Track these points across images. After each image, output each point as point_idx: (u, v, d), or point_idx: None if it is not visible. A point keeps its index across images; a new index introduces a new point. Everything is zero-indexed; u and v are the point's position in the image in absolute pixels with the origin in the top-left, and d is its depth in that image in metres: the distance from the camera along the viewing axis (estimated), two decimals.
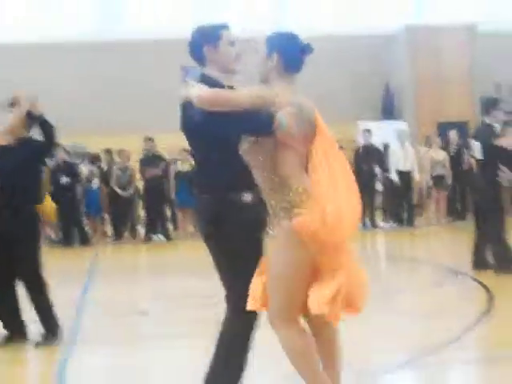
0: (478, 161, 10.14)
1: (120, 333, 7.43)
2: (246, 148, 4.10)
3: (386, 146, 18.07)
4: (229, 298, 4.33)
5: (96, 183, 17.18)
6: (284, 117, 3.95)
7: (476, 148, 9.99)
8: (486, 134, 9.85)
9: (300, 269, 4.01)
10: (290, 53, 4.19)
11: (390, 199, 18.08)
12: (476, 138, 10.10)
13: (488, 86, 23.16)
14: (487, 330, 6.84)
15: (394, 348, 6.23)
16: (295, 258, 3.99)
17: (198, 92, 3.95)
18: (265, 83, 4.17)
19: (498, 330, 6.86)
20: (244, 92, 4.03)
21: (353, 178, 4.20)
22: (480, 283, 9.13)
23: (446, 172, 16.87)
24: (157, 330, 7.49)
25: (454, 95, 22.54)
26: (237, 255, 4.25)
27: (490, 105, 10.13)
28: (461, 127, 20.44)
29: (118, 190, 16.89)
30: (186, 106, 4.13)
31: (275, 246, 4.09)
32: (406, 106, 23.72)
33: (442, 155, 16.98)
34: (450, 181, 17.01)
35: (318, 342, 4.19)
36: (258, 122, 3.96)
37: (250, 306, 4.14)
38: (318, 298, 3.97)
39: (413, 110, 23.25)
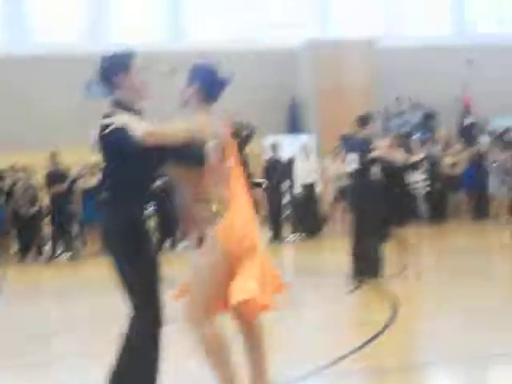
0: (351, 172, 10.73)
1: (25, 354, 7.32)
2: (173, 170, 4.73)
3: (291, 160, 18.31)
4: (130, 300, 4.63)
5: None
6: (210, 150, 4.54)
7: (351, 159, 10.57)
8: (363, 146, 10.47)
9: (216, 270, 4.50)
10: (210, 85, 4.72)
11: (296, 212, 18.34)
12: (352, 149, 10.68)
13: (389, 99, 23.78)
14: (390, 338, 7.01)
15: (298, 360, 6.33)
16: (213, 260, 4.51)
17: (142, 128, 4.39)
18: (183, 107, 4.73)
19: (399, 338, 7.05)
20: (180, 127, 4.52)
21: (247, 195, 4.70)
22: (386, 292, 9.36)
23: None
24: (68, 350, 7.41)
25: (356, 108, 22.93)
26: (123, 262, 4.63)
27: (367, 118, 10.79)
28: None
29: (20, 209, 16.57)
30: (115, 132, 4.43)
31: (200, 251, 4.63)
32: (310, 120, 24.08)
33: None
34: None
35: (246, 341, 4.81)
36: (192, 156, 4.54)
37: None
38: (234, 290, 4.43)
39: (317, 123, 23.61)
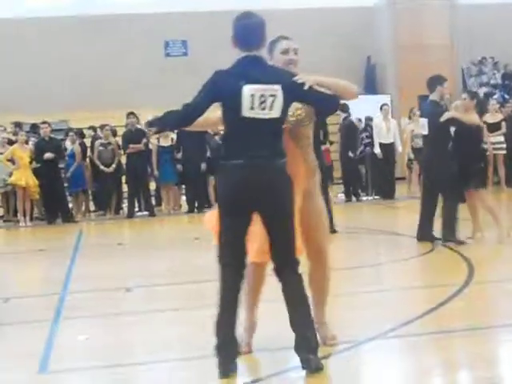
0: (424, 137, 10.53)
1: (105, 309, 7.52)
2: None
3: (368, 120, 18.17)
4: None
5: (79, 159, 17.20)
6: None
7: (422, 124, 10.35)
8: (431, 112, 10.18)
9: None
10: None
11: (372, 172, 18.26)
12: (423, 114, 10.52)
13: (471, 57, 23.26)
14: (466, 301, 6.96)
15: (374, 319, 6.35)
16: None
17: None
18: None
19: (476, 301, 7.00)
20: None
21: None
22: (461, 255, 9.28)
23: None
24: (140, 306, 7.57)
25: (435, 67, 22.56)
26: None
27: (435, 82, 10.37)
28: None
29: (101, 166, 16.90)
30: None
31: (318, 194, 5.37)
32: (388, 79, 23.77)
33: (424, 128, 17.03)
34: None
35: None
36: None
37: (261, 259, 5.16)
38: None
39: (395, 83, 23.31)
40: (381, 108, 17.99)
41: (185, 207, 17.21)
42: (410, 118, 17.90)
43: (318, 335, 5.21)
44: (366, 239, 12.69)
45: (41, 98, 21.56)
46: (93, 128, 18.47)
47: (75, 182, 17.12)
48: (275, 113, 4.94)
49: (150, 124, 5.23)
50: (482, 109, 10.72)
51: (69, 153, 17.20)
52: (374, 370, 5.17)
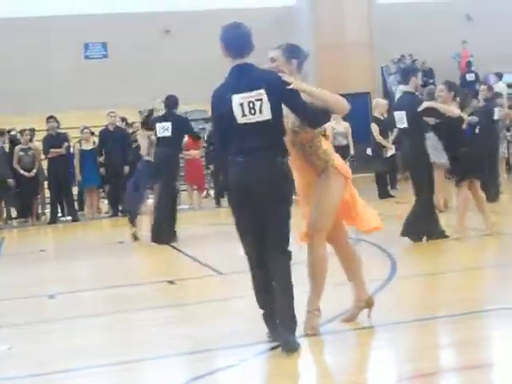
0: (402, 130, 10.21)
1: (28, 317, 7.38)
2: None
3: None
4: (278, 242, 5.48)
5: None
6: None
7: (400, 117, 9.99)
8: (409, 103, 9.86)
9: (340, 198, 5.78)
10: (302, 60, 6.02)
11: None
12: (399, 107, 10.10)
13: (388, 57, 23.64)
14: (390, 296, 7.05)
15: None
16: (340, 191, 5.78)
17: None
18: None
19: (400, 295, 7.10)
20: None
21: None
22: (382, 250, 9.40)
23: (348, 143, 17.07)
24: (63, 313, 7.46)
25: (355, 66, 22.88)
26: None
27: (409, 72, 10.21)
28: (363, 98, 20.85)
29: (21, 171, 16.58)
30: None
31: (326, 185, 5.70)
32: (309, 79, 23.94)
33: (343, 126, 17.19)
34: (352, 151, 17.22)
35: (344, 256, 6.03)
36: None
37: (302, 242, 5.79)
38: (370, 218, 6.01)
39: (316, 83, 23.48)
40: None
41: (105, 210, 17.07)
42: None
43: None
44: None
45: None
46: (10, 132, 18.11)
47: None
48: (265, 115, 5.35)
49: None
50: (463, 101, 10.39)
51: None
52: (305, 365, 5.20)
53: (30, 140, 17.07)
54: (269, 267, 5.46)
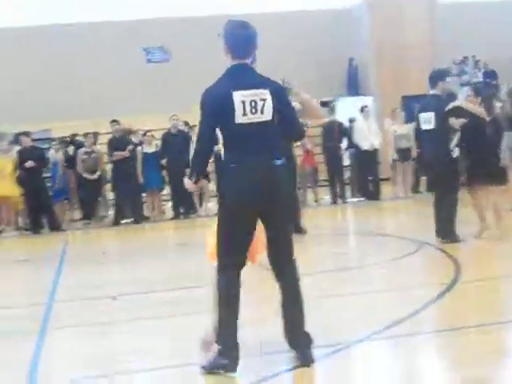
0: (426, 132, 10.28)
1: (91, 318, 7.48)
2: None
3: (351, 122, 18.21)
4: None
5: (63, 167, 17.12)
6: None
7: (426, 119, 10.18)
8: (437, 104, 10.08)
9: None
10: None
11: (356, 174, 18.31)
12: (425, 109, 10.28)
13: (449, 58, 23.30)
14: (452, 300, 6.97)
15: (364, 320, 6.35)
16: None
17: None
18: None
19: (464, 300, 7.01)
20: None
21: None
22: (447, 254, 9.29)
23: (411, 145, 16.95)
24: (126, 315, 7.53)
25: (416, 68, 22.63)
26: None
27: (437, 77, 10.29)
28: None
29: (85, 174, 16.83)
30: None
31: None
32: (370, 81, 23.81)
33: (406, 128, 17.08)
34: (415, 154, 17.09)
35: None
36: None
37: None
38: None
39: (377, 85, 23.34)
40: (361, 110, 18.06)
41: (169, 213, 17.18)
42: (393, 118, 17.93)
43: None
44: (353, 241, 12.72)
45: (23, 107, 21.43)
46: (75, 136, 18.40)
47: (59, 191, 17.05)
48: (266, 116, 5.11)
49: (190, 177, 5.35)
50: (488, 107, 10.44)
51: (53, 161, 17.12)
52: (364, 372, 5.16)
53: (94, 143, 17.32)
54: (277, 277, 5.28)
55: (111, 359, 5.83)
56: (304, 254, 11.11)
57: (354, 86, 23.98)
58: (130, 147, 16.72)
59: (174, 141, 16.69)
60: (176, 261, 10.89)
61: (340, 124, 17.75)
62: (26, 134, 16.64)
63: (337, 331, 6.05)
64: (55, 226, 16.29)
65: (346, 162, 18.57)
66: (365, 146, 17.61)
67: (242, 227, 5.11)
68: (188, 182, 5.38)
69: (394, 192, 17.84)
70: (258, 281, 6.24)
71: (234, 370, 5.03)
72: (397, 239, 10.76)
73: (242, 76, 5.17)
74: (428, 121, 10.16)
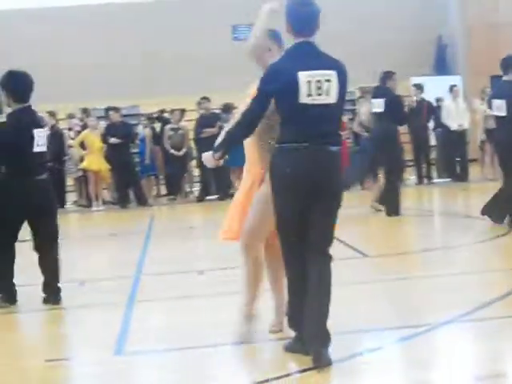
0: (499, 118, 10.22)
1: (177, 292, 7.60)
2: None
3: (439, 101, 17.92)
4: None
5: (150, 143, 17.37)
6: None
7: (497, 105, 10.07)
8: (509, 91, 9.96)
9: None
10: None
11: (443, 154, 18.03)
12: (498, 95, 10.20)
13: None
14: None
15: (449, 302, 6.29)
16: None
17: None
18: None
19: None
20: None
21: None
22: None
23: None
24: (212, 289, 7.63)
25: (508, 48, 22.04)
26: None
27: (507, 64, 10.23)
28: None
29: (171, 150, 17.03)
30: None
31: (268, 190, 5.12)
32: (459, 60, 23.35)
33: None
34: None
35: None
36: None
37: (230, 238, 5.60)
38: None
39: (466, 63, 22.88)
40: (450, 89, 17.73)
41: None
42: (482, 98, 17.56)
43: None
44: (439, 222, 12.57)
45: (111, 83, 21.78)
46: (162, 112, 18.62)
47: (146, 167, 17.31)
48: (332, 98, 4.95)
49: (215, 151, 5.17)
50: None
51: (140, 137, 17.40)
52: (449, 354, 5.12)
53: (180, 120, 17.50)
54: (308, 269, 4.98)
55: (197, 332, 5.92)
56: (389, 235, 11.08)
57: (442, 65, 23.55)
58: (219, 124, 16.81)
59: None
60: None
61: (428, 103, 17.50)
62: (116, 109, 16.92)
63: (421, 313, 6.02)
64: (142, 201, 16.57)
65: (433, 142, 18.32)
66: (453, 126, 17.34)
67: (293, 213, 4.98)
68: (208, 157, 5.23)
69: (483, 173, 17.51)
70: None
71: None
72: (484, 221, 10.57)
73: (308, 55, 5.01)
74: (500, 108, 10.04)
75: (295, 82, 4.88)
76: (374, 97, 12.50)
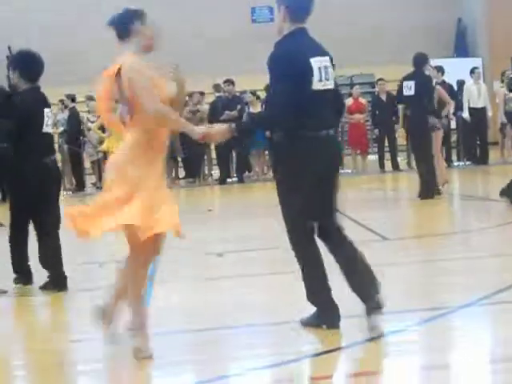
0: None
1: (196, 273, 7.64)
2: None
3: (460, 84, 17.80)
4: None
5: None
6: None
7: None
8: None
9: None
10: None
11: (463, 137, 17.94)
12: None
13: None
14: None
15: (469, 285, 6.28)
16: None
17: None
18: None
19: None
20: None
21: None
22: None
23: None
24: (231, 271, 7.66)
25: None
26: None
27: None
28: None
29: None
30: None
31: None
32: (479, 42, 23.18)
33: None
34: None
35: None
36: None
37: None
38: None
39: (487, 46, 22.71)
40: (472, 71, 17.60)
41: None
42: (502, 81, 17.44)
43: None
44: (459, 205, 12.53)
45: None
46: None
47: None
48: (332, 83, 5.14)
49: (236, 127, 5.18)
50: None
51: None
52: (467, 337, 5.11)
53: (199, 102, 17.49)
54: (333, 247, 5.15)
55: (216, 313, 5.94)
56: (408, 218, 11.06)
57: (462, 48, 23.40)
58: (239, 107, 16.80)
59: None
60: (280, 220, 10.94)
61: (449, 86, 17.38)
62: None
63: (440, 296, 6.01)
64: None
65: (453, 125, 18.22)
66: (474, 107, 17.19)
67: (320, 192, 5.10)
68: (227, 129, 5.20)
69: (503, 156, 17.41)
70: None
71: (335, 325, 5.10)
72: (504, 205, 10.52)
73: (309, 41, 5.12)
74: None
75: (309, 68, 4.98)
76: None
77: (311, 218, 5.15)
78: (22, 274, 7.25)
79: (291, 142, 5.04)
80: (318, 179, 5.05)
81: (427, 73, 12.12)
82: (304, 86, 4.96)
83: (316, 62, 4.99)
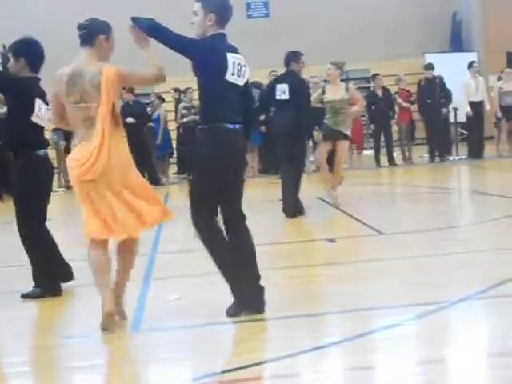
0: None
1: (193, 269, 7.61)
2: None
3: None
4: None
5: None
6: None
7: None
8: None
9: None
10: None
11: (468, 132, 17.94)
12: None
13: None
14: None
15: (466, 279, 6.27)
16: None
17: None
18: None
19: None
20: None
21: None
22: None
23: None
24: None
25: None
26: None
27: None
28: None
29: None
30: None
31: None
32: (474, 36, 23.17)
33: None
34: None
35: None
36: None
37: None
38: None
39: (482, 40, 22.70)
40: (470, 66, 17.58)
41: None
42: (500, 78, 17.44)
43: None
44: (455, 200, 12.53)
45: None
46: (177, 91, 18.58)
47: (161, 146, 17.30)
48: (243, 81, 5.55)
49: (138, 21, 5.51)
50: None
51: (155, 117, 17.37)
52: (465, 332, 5.10)
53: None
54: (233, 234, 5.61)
55: (212, 310, 5.92)
56: (404, 212, 11.05)
57: (457, 42, 23.39)
58: None
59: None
60: (274, 216, 10.94)
61: (440, 80, 17.39)
62: (130, 89, 16.88)
63: (437, 290, 6.00)
64: (154, 181, 16.53)
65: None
66: (472, 101, 17.18)
67: (228, 184, 5.58)
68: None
69: (498, 151, 17.42)
70: None
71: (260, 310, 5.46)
72: (500, 199, 10.53)
73: (228, 44, 5.59)
74: None
75: (225, 60, 5.43)
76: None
77: (212, 202, 5.58)
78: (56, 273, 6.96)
79: (207, 130, 5.47)
80: (223, 168, 5.44)
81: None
82: (217, 75, 5.41)
83: (231, 57, 5.45)
